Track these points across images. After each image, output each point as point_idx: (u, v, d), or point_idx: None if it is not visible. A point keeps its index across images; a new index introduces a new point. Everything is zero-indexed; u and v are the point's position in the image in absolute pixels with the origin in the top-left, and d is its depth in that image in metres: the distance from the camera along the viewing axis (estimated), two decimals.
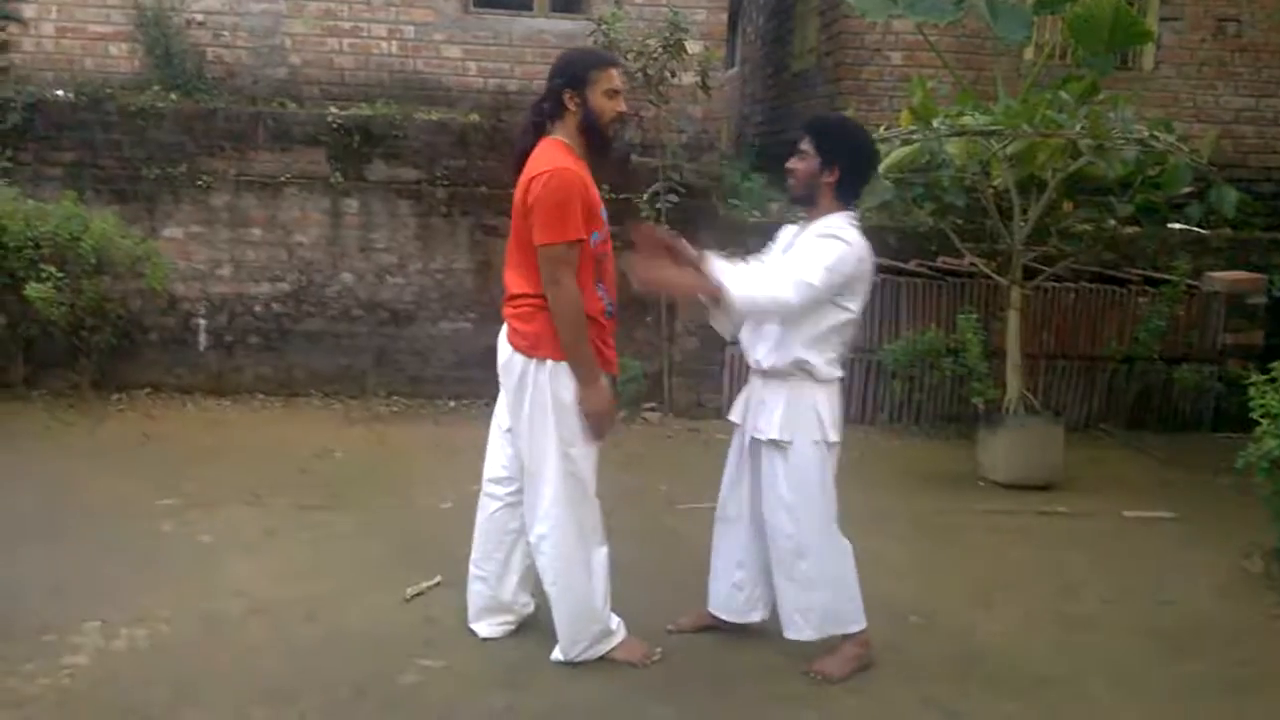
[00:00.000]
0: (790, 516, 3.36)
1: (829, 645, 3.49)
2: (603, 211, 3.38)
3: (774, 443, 3.35)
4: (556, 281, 3.24)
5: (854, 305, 3.33)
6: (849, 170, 3.34)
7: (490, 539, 3.59)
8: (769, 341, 3.38)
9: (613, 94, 3.35)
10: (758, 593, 3.61)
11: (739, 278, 3.19)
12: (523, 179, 3.30)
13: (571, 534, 3.38)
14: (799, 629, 3.43)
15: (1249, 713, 3.36)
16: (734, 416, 3.60)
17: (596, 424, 3.36)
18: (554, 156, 3.27)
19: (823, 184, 3.34)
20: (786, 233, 3.54)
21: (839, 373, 3.40)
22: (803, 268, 3.21)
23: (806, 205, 3.42)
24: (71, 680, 3.23)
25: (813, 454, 3.34)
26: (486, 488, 3.60)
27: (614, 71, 3.38)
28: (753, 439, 3.45)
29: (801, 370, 3.33)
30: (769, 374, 3.40)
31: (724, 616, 3.67)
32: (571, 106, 3.32)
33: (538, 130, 3.38)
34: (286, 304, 7.02)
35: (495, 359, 3.49)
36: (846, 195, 3.38)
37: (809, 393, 3.34)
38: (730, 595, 3.64)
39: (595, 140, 3.37)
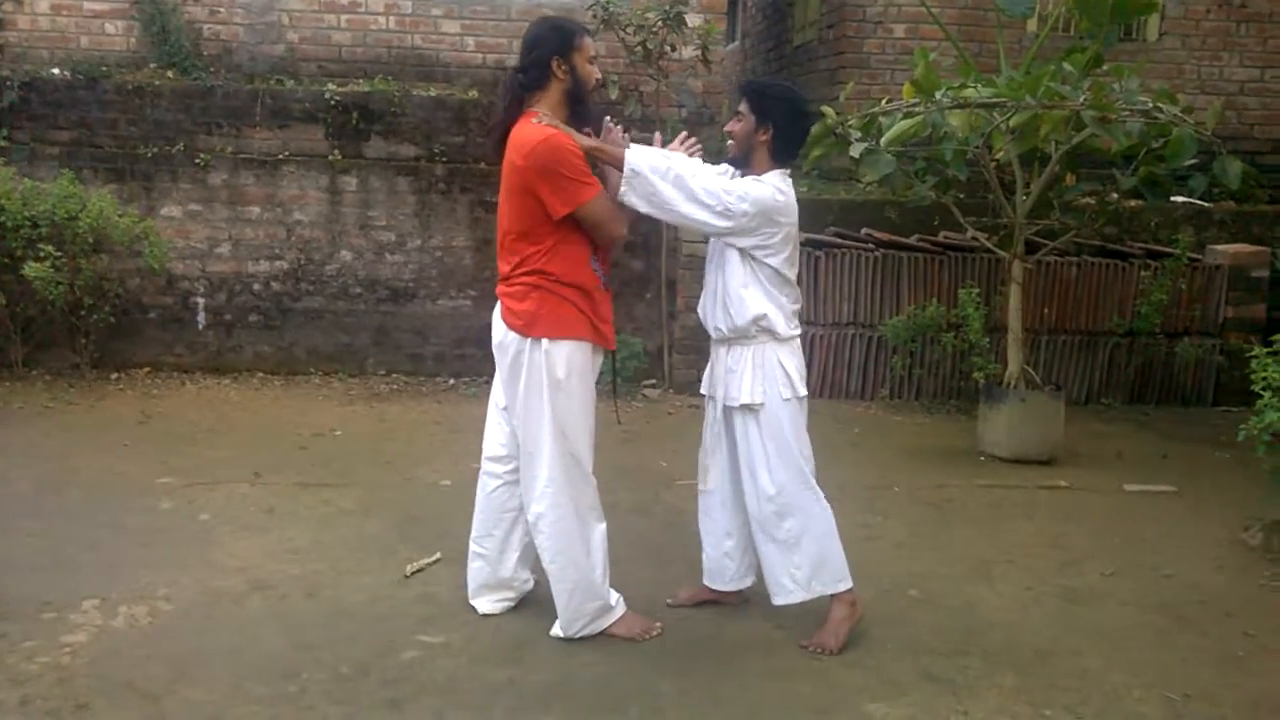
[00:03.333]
0: (771, 478, 3.43)
1: (819, 617, 3.50)
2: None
3: (747, 407, 3.43)
4: (616, 234, 3.38)
5: (774, 260, 3.37)
6: (782, 128, 3.40)
7: (490, 516, 3.59)
8: (725, 304, 3.44)
9: (592, 60, 3.40)
10: (748, 560, 3.68)
11: (649, 152, 3.32)
12: (510, 156, 3.28)
13: (569, 512, 3.38)
14: (787, 592, 3.48)
15: (1248, 685, 3.36)
16: (704, 389, 3.67)
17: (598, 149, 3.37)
18: (540, 128, 3.25)
19: (757, 142, 3.42)
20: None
21: (797, 329, 3.49)
22: (717, 184, 3.30)
23: (744, 166, 3.47)
24: (71, 658, 3.23)
25: (784, 411, 3.42)
26: (485, 465, 3.60)
27: (589, 39, 3.42)
28: (725, 407, 3.52)
29: (762, 330, 3.40)
30: (732, 340, 3.47)
31: (718, 587, 3.72)
32: (560, 74, 3.32)
33: (520, 103, 3.36)
34: (285, 282, 7.01)
35: (492, 336, 3.47)
36: (782, 154, 3.45)
37: (772, 352, 3.42)
38: (722, 565, 3.70)
39: (580, 107, 3.38)
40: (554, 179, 3.20)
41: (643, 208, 3.32)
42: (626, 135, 3.50)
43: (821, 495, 3.49)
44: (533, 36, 3.37)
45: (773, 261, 3.38)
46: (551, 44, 3.31)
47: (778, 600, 3.50)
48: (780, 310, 3.42)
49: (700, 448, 3.70)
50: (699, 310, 3.63)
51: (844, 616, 3.50)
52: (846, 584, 3.50)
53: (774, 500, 3.44)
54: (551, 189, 3.21)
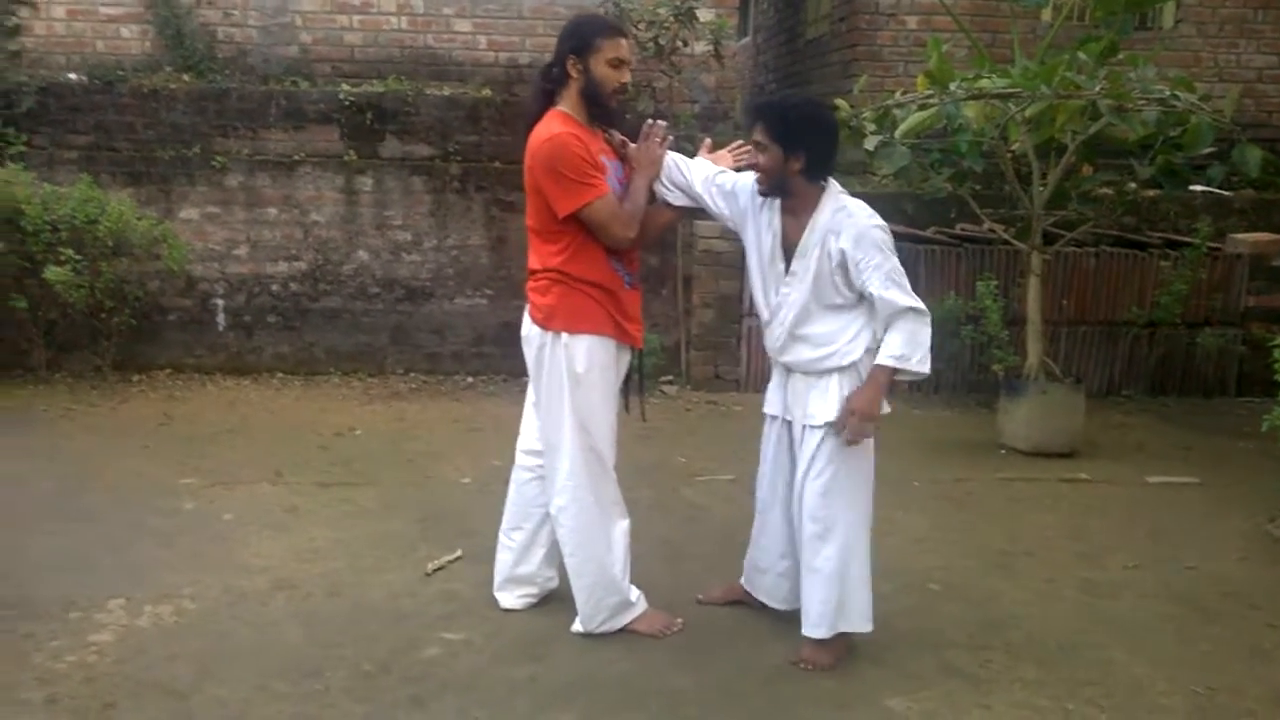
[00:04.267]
0: (824, 498, 3.26)
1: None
2: (610, 179, 3.30)
3: (830, 424, 3.23)
4: (620, 236, 3.26)
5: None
6: (815, 151, 3.17)
7: (519, 510, 3.60)
8: (812, 348, 3.26)
9: (618, 64, 3.28)
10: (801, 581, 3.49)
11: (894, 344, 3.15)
12: (526, 157, 3.28)
13: (590, 506, 3.39)
14: (813, 625, 3.32)
15: (1274, 678, 3.33)
16: (773, 410, 3.47)
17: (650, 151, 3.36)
18: (550, 126, 3.24)
19: (791, 173, 3.18)
20: (746, 192, 3.36)
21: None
22: (893, 285, 3.14)
23: (781, 198, 3.26)
24: (97, 657, 3.26)
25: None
26: (519, 459, 3.60)
27: (621, 40, 3.30)
28: (805, 426, 3.31)
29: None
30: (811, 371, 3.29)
31: (773, 605, 3.62)
32: (574, 73, 3.28)
33: (547, 97, 3.34)
34: (304, 283, 7.04)
35: (510, 335, 3.48)
36: (818, 175, 3.22)
37: (860, 369, 3.24)
38: (776, 584, 3.59)
39: (597, 110, 3.32)
40: (556, 178, 3.19)
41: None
42: (670, 137, 3.42)
43: (867, 531, 3.35)
44: (563, 30, 3.34)
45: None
46: (571, 41, 3.27)
47: (805, 631, 3.34)
48: (872, 340, 3.22)
49: (761, 464, 3.55)
50: (766, 343, 3.41)
51: (843, 638, 3.37)
52: (868, 627, 3.36)
53: (819, 521, 3.27)
54: (555, 188, 3.21)
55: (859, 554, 3.32)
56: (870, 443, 3.31)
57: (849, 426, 3.20)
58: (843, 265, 3.18)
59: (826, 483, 3.27)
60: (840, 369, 3.24)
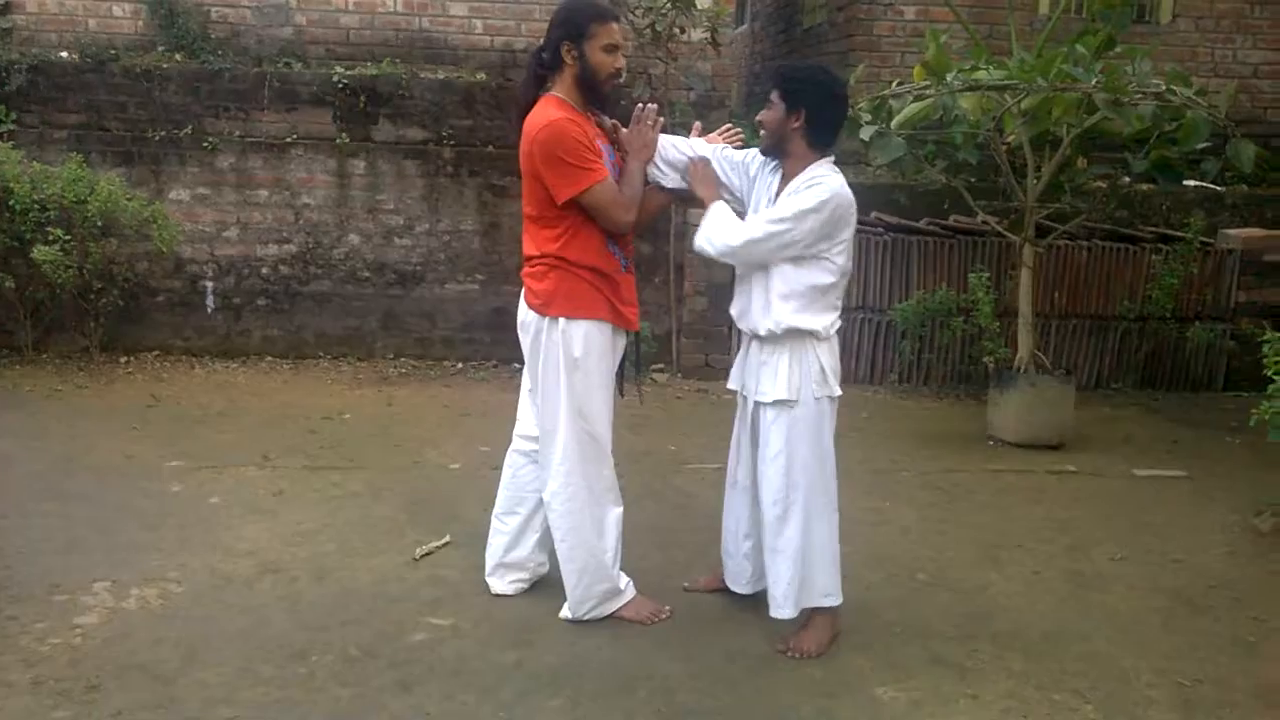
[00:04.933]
0: (784, 478, 3.28)
1: (801, 620, 3.39)
2: (606, 162, 3.30)
3: (779, 403, 3.27)
4: (620, 221, 3.27)
5: (840, 258, 3.23)
6: (816, 112, 3.20)
7: (514, 494, 3.60)
8: (764, 311, 3.28)
9: (611, 49, 3.27)
10: (764, 564, 3.53)
11: (721, 217, 3.26)
12: (523, 143, 3.27)
13: (582, 491, 3.38)
14: (777, 606, 3.34)
15: (1259, 670, 3.35)
16: (733, 384, 3.52)
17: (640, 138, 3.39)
18: (547, 112, 3.23)
19: (790, 130, 3.22)
20: (756, 162, 3.41)
21: (838, 325, 3.32)
22: (769, 222, 3.18)
23: (780, 157, 3.30)
24: (82, 639, 3.25)
25: (814, 410, 3.27)
26: (515, 443, 3.59)
27: (614, 26, 3.29)
28: (756, 403, 3.37)
29: (806, 331, 3.25)
30: (766, 340, 3.31)
31: (735, 589, 3.65)
32: (568, 59, 3.27)
33: (539, 82, 3.33)
34: (294, 266, 7.01)
35: (501, 320, 3.48)
36: (818, 139, 3.24)
37: (811, 348, 3.26)
38: (740, 567, 3.62)
39: (591, 95, 3.32)
40: (556, 164, 3.18)
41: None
42: (661, 119, 3.42)
43: (833, 505, 3.36)
44: (554, 16, 3.33)
45: (838, 258, 3.22)
46: (564, 27, 3.26)
47: (771, 612, 3.36)
48: (822, 317, 3.25)
49: (731, 441, 3.59)
50: (732, 311, 3.44)
51: (828, 623, 3.38)
52: (835, 600, 3.36)
53: (779, 503, 3.30)
54: (554, 174, 3.20)
55: (820, 530, 3.33)
56: (827, 420, 3.32)
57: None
58: None
59: (784, 463, 3.29)
60: (792, 343, 3.26)
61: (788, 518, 3.31)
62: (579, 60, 3.25)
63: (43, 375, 6.33)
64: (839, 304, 3.33)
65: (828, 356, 3.29)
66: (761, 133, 3.31)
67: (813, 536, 3.32)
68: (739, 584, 3.65)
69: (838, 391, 3.32)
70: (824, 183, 3.18)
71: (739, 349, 3.52)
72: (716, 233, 3.26)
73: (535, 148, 3.20)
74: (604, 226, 3.30)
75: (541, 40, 3.37)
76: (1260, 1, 8.13)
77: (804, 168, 3.25)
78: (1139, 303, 6.87)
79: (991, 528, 4.50)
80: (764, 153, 3.34)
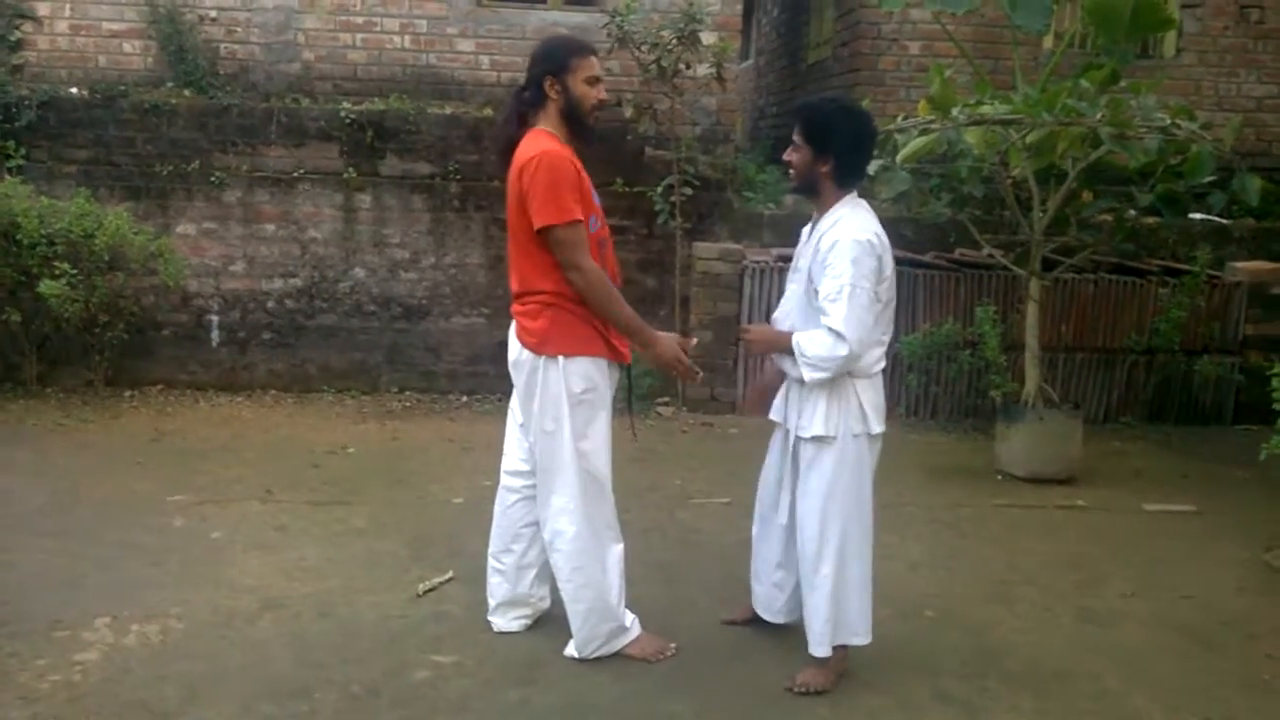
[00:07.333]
0: (821, 516, 3.25)
1: (807, 655, 3.35)
2: (596, 197, 3.35)
3: (817, 439, 3.24)
4: (576, 266, 3.23)
5: (884, 293, 3.23)
6: (844, 156, 3.21)
7: (508, 532, 3.56)
8: None
9: (593, 81, 3.34)
10: (798, 595, 3.47)
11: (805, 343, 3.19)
12: (512, 171, 3.29)
13: (586, 531, 3.35)
14: (817, 643, 3.30)
15: (1273, 709, 3.30)
16: (775, 415, 3.49)
17: (677, 371, 3.47)
18: (540, 143, 3.25)
19: (819, 173, 3.23)
20: (802, 239, 3.43)
21: (882, 364, 3.29)
22: (840, 300, 3.10)
23: (809, 195, 3.36)
24: (82, 676, 3.22)
25: (853, 449, 3.24)
26: (504, 480, 3.57)
27: (594, 59, 3.37)
28: (797, 437, 3.32)
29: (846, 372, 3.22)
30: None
31: (767, 617, 3.61)
32: (552, 94, 3.32)
33: (521, 120, 3.37)
34: (299, 300, 7.02)
35: (507, 354, 3.46)
36: (847, 179, 3.26)
37: (851, 385, 3.23)
38: (771, 595, 3.59)
39: (577, 127, 3.36)
40: (549, 189, 3.18)
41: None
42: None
43: (868, 545, 3.33)
44: (533, 54, 3.39)
45: (882, 294, 3.20)
46: (546, 63, 3.33)
47: (810, 649, 3.32)
48: (871, 347, 3.21)
49: (764, 471, 3.56)
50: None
51: (836, 661, 3.33)
52: (865, 639, 3.34)
53: (814, 540, 3.27)
54: (543, 198, 3.19)
55: (855, 568, 3.30)
56: (866, 457, 3.29)
57: (742, 335, 3.51)
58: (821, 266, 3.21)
59: (822, 500, 3.26)
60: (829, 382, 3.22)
61: (823, 554, 3.27)
62: (563, 94, 3.31)
63: (47, 409, 6.32)
64: (884, 339, 3.29)
65: (869, 393, 3.25)
66: (790, 174, 3.35)
67: (847, 573, 3.28)
68: (770, 612, 3.60)
69: (877, 429, 3.28)
70: (851, 222, 3.18)
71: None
72: (816, 355, 3.16)
73: (528, 173, 3.20)
74: (559, 260, 3.25)
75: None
76: (1264, 36, 8.17)
77: (832, 205, 3.27)
78: (1146, 336, 6.84)
79: (1000, 563, 4.46)
80: (794, 192, 3.37)
